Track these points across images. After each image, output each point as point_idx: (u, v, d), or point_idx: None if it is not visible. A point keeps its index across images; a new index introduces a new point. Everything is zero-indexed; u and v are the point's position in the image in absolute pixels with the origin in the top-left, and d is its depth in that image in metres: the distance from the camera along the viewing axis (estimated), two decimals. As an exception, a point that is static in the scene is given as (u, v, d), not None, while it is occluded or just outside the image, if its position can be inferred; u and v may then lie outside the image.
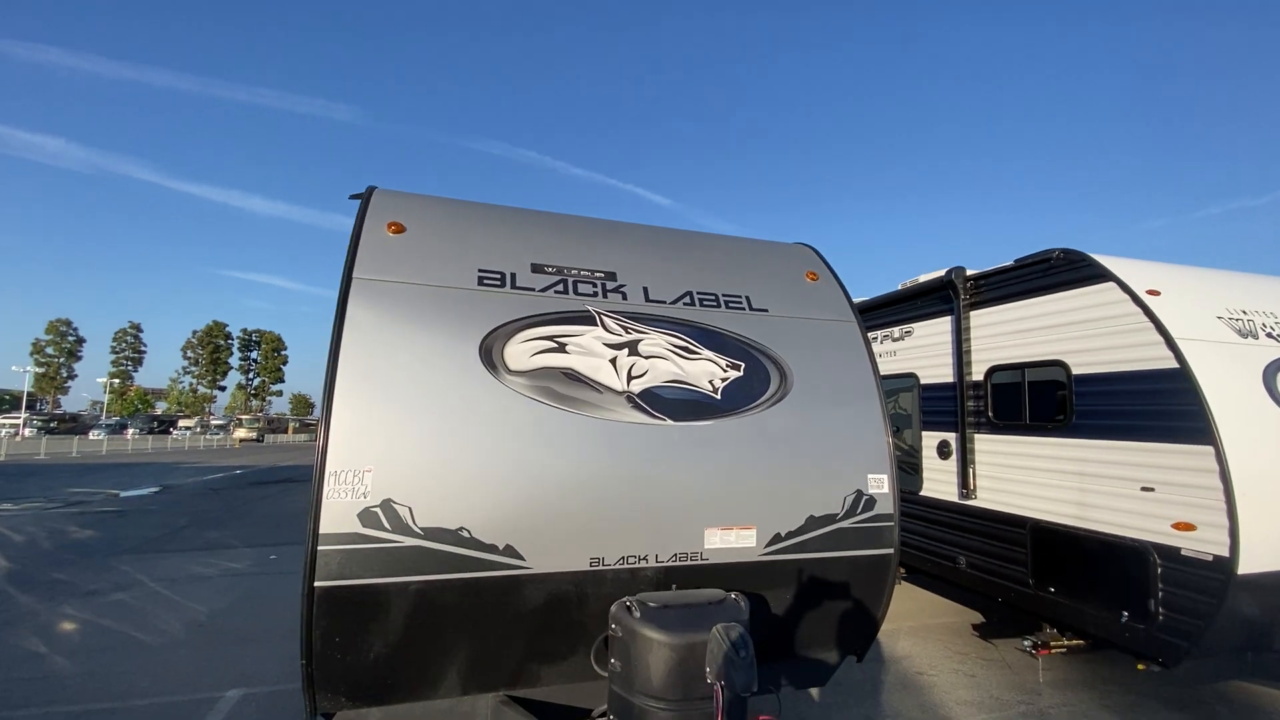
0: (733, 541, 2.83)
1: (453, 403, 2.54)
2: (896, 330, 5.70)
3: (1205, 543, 3.26)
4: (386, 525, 2.36)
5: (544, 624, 2.62)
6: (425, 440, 2.46)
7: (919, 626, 5.68)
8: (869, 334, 6.10)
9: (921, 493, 5.20)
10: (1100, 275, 3.89)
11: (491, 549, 2.46)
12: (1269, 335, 3.78)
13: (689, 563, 2.74)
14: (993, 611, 5.59)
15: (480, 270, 2.90)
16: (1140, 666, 3.76)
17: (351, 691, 2.48)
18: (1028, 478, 4.27)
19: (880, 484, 3.21)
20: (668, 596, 2.32)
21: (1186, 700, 4.16)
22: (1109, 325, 3.80)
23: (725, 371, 3.11)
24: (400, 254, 2.83)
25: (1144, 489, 3.55)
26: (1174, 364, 3.43)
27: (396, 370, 2.52)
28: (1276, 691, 4.25)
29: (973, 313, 4.82)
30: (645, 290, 3.18)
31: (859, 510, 3.16)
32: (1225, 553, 3.16)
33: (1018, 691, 4.34)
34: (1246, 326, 3.76)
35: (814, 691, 4.17)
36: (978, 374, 4.72)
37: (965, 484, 4.68)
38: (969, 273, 4.86)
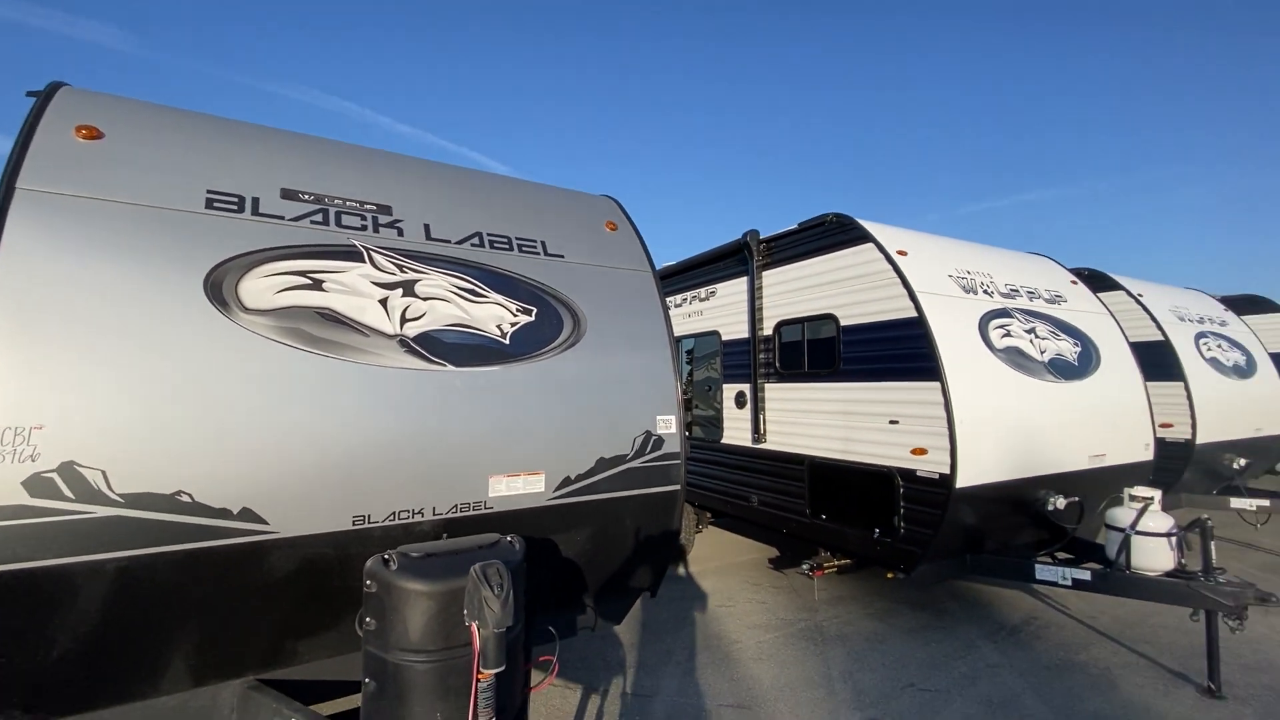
0: (520, 488, 2.75)
1: (166, 346, 2.10)
2: (703, 291, 6.01)
3: (933, 464, 3.86)
4: (69, 494, 1.90)
5: (300, 594, 2.33)
6: (126, 391, 2.01)
7: (723, 565, 6.15)
8: (681, 295, 6.38)
9: (723, 440, 5.59)
10: (863, 237, 4.39)
11: (223, 514, 2.10)
12: (984, 291, 4.56)
13: (472, 513, 2.61)
14: (785, 546, 6.23)
15: (210, 192, 2.43)
16: (890, 575, 4.41)
17: (31, 702, 2.00)
18: (807, 420, 4.76)
19: (669, 424, 3.33)
20: (432, 545, 2.17)
21: (925, 601, 4.99)
22: (868, 281, 4.32)
23: (515, 316, 2.99)
24: (92, 165, 2.26)
25: (891, 422, 4.12)
26: (914, 313, 3.99)
27: (82, 307, 2.02)
28: (989, 586, 5.26)
29: (765, 273, 5.21)
30: (426, 228, 2.92)
31: (648, 450, 3.25)
32: (947, 470, 3.77)
33: (800, 611, 4.87)
34: (969, 284, 4.50)
35: (618, 630, 4.31)
36: (768, 329, 5.14)
37: (757, 429, 5.10)
38: (762, 236, 5.25)
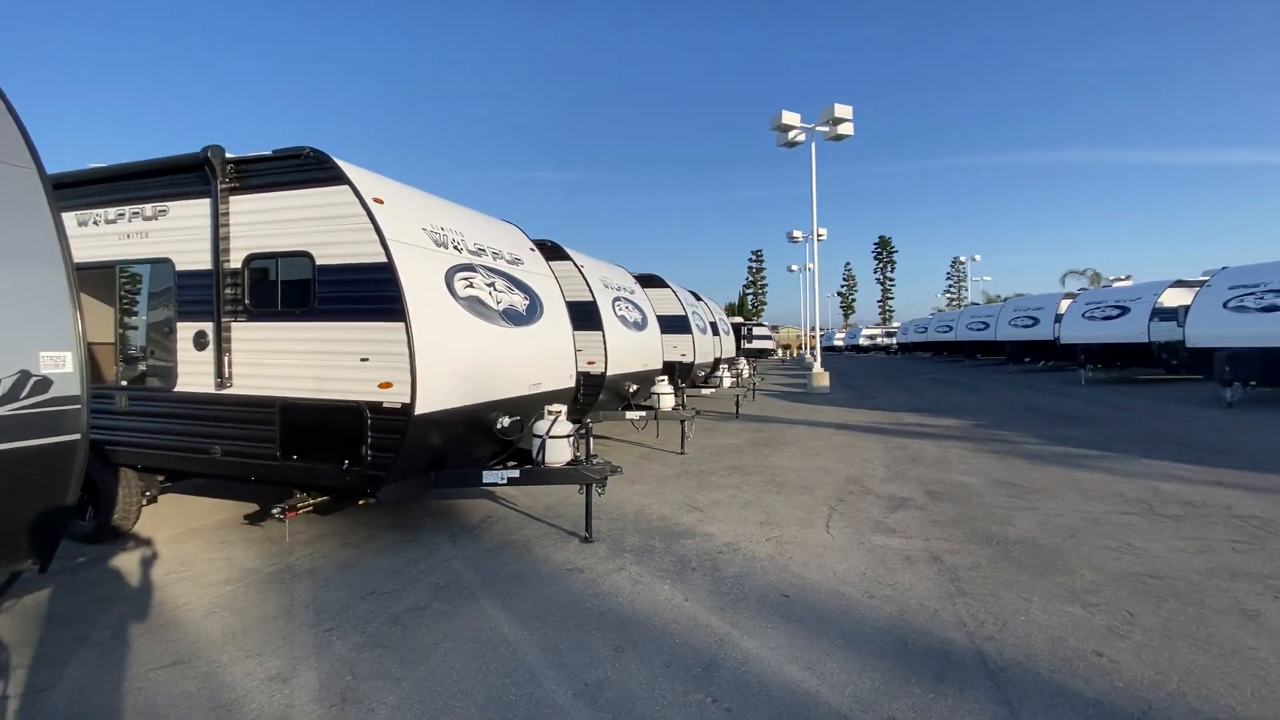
0: None
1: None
2: (149, 207, 4.93)
3: (397, 395, 4.30)
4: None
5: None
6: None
7: (184, 532, 5.39)
8: (117, 208, 5.08)
9: (178, 389, 4.82)
10: (340, 178, 4.42)
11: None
12: (455, 248, 5.21)
13: None
14: (260, 496, 5.88)
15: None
16: (361, 502, 4.74)
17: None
18: (280, 361, 4.57)
19: (61, 363, 2.74)
20: None
21: (402, 522, 5.55)
22: (344, 223, 4.40)
23: None
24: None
25: (362, 359, 4.37)
26: (384, 259, 4.29)
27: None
28: (457, 499, 6.22)
29: (233, 198, 4.66)
30: None
31: (24, 394, 2.61)
32: (409, 400, 4.26)
33: (269, 558, 4.73)
34: (441, 239, 5.05)
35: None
36: (236, 262, 4.65)
37: (221, 373, 4.61)
38: (228, 155, 4.65)
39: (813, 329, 32.02)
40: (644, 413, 8.91)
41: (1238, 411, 11.98)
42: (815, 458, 8.47)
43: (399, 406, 4.28)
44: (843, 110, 17.89)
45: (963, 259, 59.88)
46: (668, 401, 8.54)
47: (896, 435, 10.38)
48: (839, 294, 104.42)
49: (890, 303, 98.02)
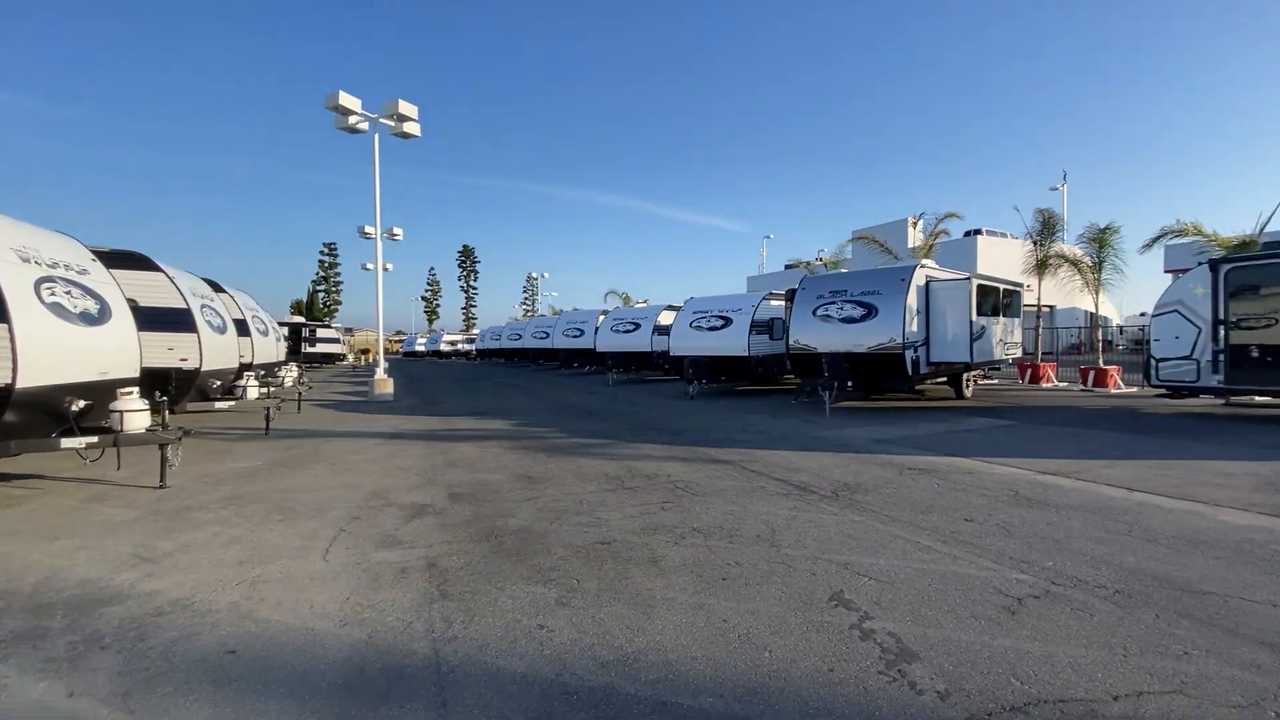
0: None
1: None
2: None
3: None
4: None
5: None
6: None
7: None
8: None
9: None
10: None
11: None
12: (37, 262, 6.28)
13: None
14: None
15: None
16: None
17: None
18: None
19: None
20: None
21: None
22: None
23: None
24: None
25: None
26: None
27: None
28: None
29: None
30: None
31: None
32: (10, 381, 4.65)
33: None
34: (26, 255, 6.18)
35: None
36: None
37: None
38: None
39: (390, 333, 30.53)
40: (94, 438, 6.52)
41: (697, 402, 16.43)
42: (345, 473, 7.73)
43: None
44: (407, 108, 17.46)
45: (535, 275, 66.86)
46: (136, 421, 6.42)
47: (445, 440, 10.47)
48: (424, 298, 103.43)
49: (474, 310, 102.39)
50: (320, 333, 42.71)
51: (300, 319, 46.86)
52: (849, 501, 6.14)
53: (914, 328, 12.90)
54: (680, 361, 17.96)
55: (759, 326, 17.70)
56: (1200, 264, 11.78)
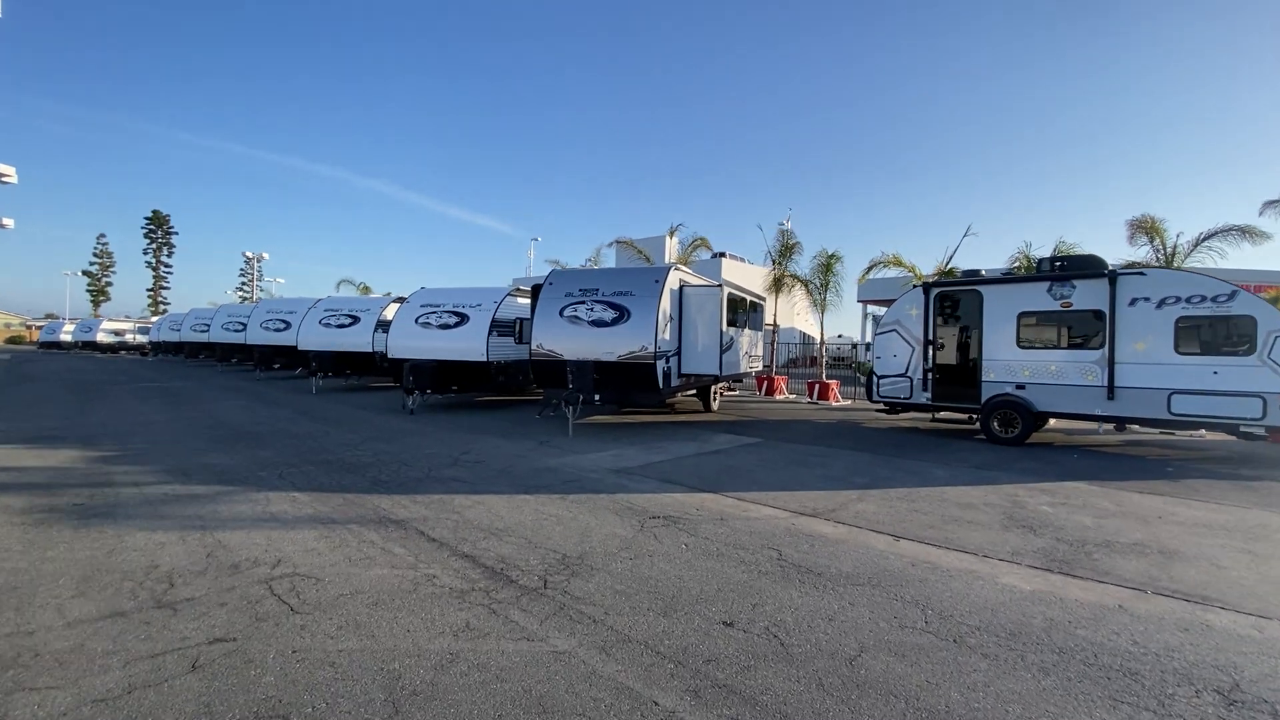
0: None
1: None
2: None
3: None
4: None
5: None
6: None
7: None
8: None
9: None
10: None
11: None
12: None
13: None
14: None
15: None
16: None
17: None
18: None
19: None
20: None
21: None
22: None
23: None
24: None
25: None
26: None
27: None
28: None
29: None
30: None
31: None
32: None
33: None
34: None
35: None
36: None
37: None
38: None
39: (38, 315, 20.71)
40: None
41: (416, 419, 13.08)
42: None
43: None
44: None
45: (251, 255, 54.44)
46: None
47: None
48: (87, 274, 79.38)
49: (166, 293, 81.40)
50: None
51: None
52: (558, 603, 3.81)
53: (666, 335, 11.55)
54: (401, 366, 14.36)
55: (502, 326, 15.04)
56: (915, 286, 12.46)
